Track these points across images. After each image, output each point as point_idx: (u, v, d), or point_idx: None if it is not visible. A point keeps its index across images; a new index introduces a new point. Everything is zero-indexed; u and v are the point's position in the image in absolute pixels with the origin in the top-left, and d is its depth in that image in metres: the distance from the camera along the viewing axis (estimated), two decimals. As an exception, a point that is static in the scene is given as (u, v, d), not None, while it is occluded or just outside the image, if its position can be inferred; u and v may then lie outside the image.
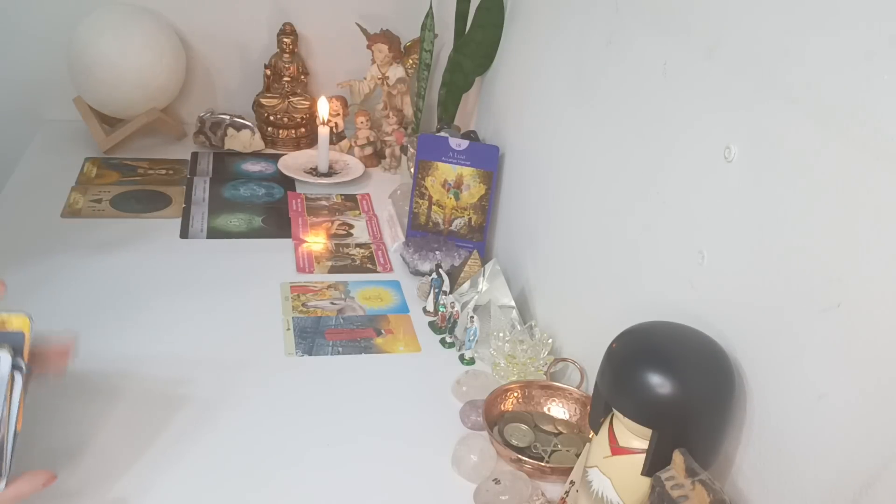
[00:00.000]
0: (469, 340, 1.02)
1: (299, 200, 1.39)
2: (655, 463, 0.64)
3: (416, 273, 1.20)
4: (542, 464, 0.84)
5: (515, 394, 0.94)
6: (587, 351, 0.95)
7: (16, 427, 0.70)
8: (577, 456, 0.80)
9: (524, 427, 0.90)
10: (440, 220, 1.25)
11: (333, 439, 0.88)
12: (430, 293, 1.12)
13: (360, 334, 1.07)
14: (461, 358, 1.04)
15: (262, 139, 1.53)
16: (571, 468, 0.79)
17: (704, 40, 0.71)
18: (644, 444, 0.65)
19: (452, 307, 1.06)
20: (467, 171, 1.23)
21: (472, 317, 1.02)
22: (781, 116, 0.61)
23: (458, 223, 1.25)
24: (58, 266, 1.13)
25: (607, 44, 0.90)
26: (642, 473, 0.65)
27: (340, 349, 1.03)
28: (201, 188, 1.39)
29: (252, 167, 1.49)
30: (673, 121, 0.76)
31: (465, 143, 1.23)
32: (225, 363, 0.98)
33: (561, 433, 0.91)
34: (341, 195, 1.42)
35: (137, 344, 0.99)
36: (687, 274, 0.73)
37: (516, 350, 0.98)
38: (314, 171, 1.46)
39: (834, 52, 0.56)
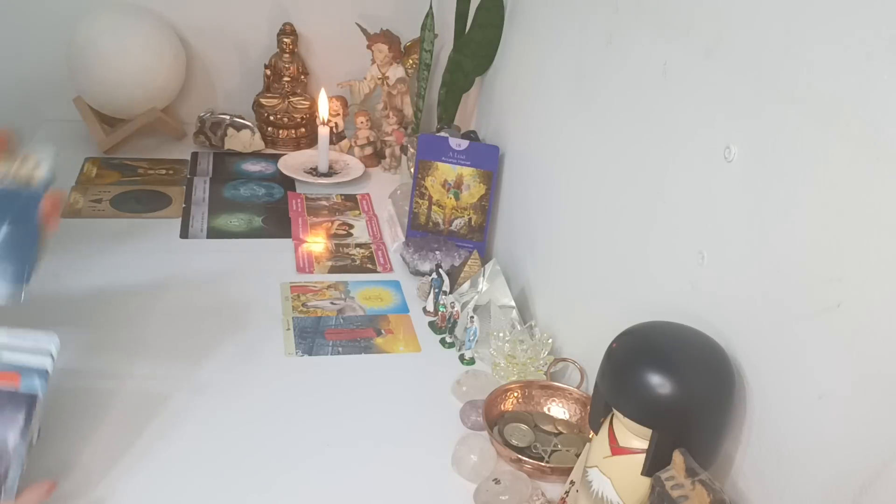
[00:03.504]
0: (469, 340, 1.02)
1: (299, 200, 1.39)
2: (655, 463, 0.64)
3: (416, 273, 1.20)
4: (542, 464, 0.84)
5: (515, 394, 0.94)
6: (587, 351, 0.95)
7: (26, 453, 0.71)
8: (577, 456, 0.80)
9: (524, 427, 0.90)
10: (440, 220, 1.25)
11: (333, 439, 0.88)
12: (430, 293, 1.12)
13: (360, 334, 1.07)
14: (461, 358, 1.04)
15: (262, 139, 1.53)
16: (571, 468, 0.79)
17: (704, 40, 0.71)
18: (644, 444, 0.65)
19: (452, 307, 1.06)
20: (467, 171, 1.24)
21: (472, 317, 1.02)
22: (781, 116, 0.61)
23: (458, 223, 1.25)
24: (58, 266, 1.13)
25: (607, 44, 0.90)
26: (642, 473, 0.65)
27: (340, 349, 1.03)
28: (201, 188, 1.39)
29: (252, 167, 1.49)
30: (673, 121, 0.76)
31: (465, 143, 1.23)
32: (225, 363, 0.98)
33: (561, 433, 0.91)
34: (341, 195, 1.42)
35: (137, 344, 0.99)
36: (687, 274, 0.73)
37: (516, 350, 0.98)
38: (314, 171, 1.46)
39: (834, 52, 0.56)
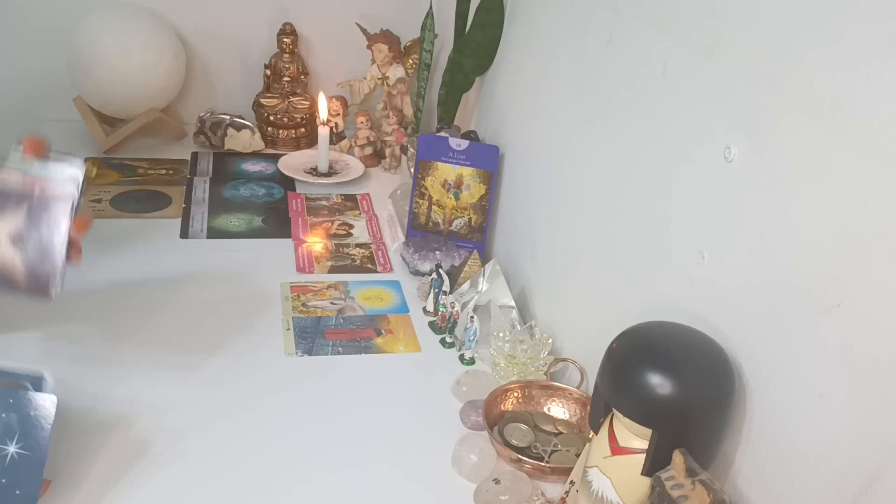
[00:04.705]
0: (469, 340, 1.02)
1: (299, 200, 1.39)
2: (655, 463, 0.64)
3: (416, 273, 1.20)
4: (542, 464, 0.84)
5: (515, 394, 0.94)
6: (587, 351, 0.95)
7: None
8: (577, 456, 0.80)
9: (524, 427, 0.90)
10: (440, 220, 1.26)
11: (333, 439, 0.88)
12: (430, 293, 1.12)
13: (360, 334, 1.07)
14: (461, 358, 1.04)
15: (262, 139, 1.53)
16: (571, 468, 0.79)
17: (704, 40, 0.71)
18: (644, 444, 0.65)
19: (452, 307, 1.06)
20: (467, 171, 1.24)
21: (472, 317, 1.02)
22: (781, 117, 0.61)
23: (458, 223, 1.25)
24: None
25: (607, 44, 0.90)
26: (642, 473, 0.65)
27: (340, 349, 1.03)
28: (201, 188, 1.39)
29: (252, 167, 1.49)
30: (673, 121, 0.76)
31: (465, 143, 1.23)
32: (225, 363, 0.98)
33: (561, 433, 0.91)
34: (341, 195, 1.43)
35: (137, 344, 0.99)
36: (687, 274, 0.73)
37: (516, 350, 0.98)
38: (314, 171, 1.46)
39: (834, 52, 0.56)
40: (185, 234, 1.26)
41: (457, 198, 1.24)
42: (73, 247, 0.82)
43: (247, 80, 1.59)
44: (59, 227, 0.78)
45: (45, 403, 0.73)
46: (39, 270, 0.78)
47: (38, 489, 0.71)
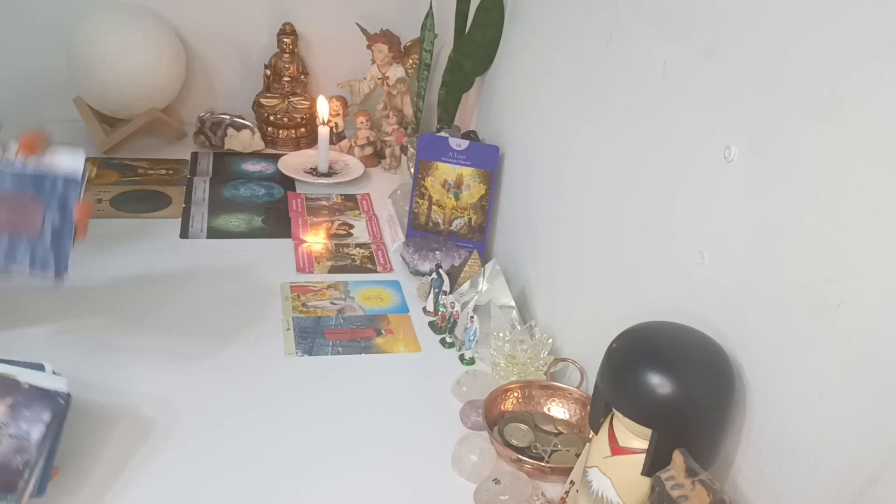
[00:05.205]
0: (469, 340, 1.02)
1: (299, 200, 1.39)
2: (655, 463, 0.64)
3: (416, 273, 1.20)
4: (542, 464, 0.84)
5: (515, 394, 0.94)
6: (587, 351, 0.95)
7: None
8: (577, 456, 0.80)
9: (524, 427, 0.90)
10: (440, 220, 1.26)
11: (333, 439, 0.88)
12: (430, 293, 1.12)
13: (360, 334, 1.07)
14: (461, 358, 1.04)
15: (262, 139, 1.53)
16: (571, 468, 0.79)
17: (704, 40, 0.71)
18: (644, 444, 0.65)
19: (452, 307, 1.06)
20: (467, 171, 1.24)
21: (472, 317, 1.02)
22: (781, 116, 0.61)
23: (458, 223, 1.25)
24: (58, 266, 1.13)
25: (607, 44, 0.90)
26: (642, 473, 0.65)
27: (340, 349, 1.03)
28: (201, 188, 1.39)
29: (252, 167, 1.49)
30: (673, 121, 0.76)
31: (465, 143, 1.23)
32: (224, 363, 0.98)
33: (561, 433, 0.91)
34: (341, 195, 1.42)
35: (136, 344, 0.99)
36: (687, 274, 0.73)
37: (516, 350, 0.98)
38: (314, 171, 1.46)
39: (834, 52, 0.56)
40: (185, 234, 1.26)
41: (457, 198, 1.24)
42: (77, 229, 0.87)
43: (247, 80, 1.59)
44: (69, 209, 0.84)
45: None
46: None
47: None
